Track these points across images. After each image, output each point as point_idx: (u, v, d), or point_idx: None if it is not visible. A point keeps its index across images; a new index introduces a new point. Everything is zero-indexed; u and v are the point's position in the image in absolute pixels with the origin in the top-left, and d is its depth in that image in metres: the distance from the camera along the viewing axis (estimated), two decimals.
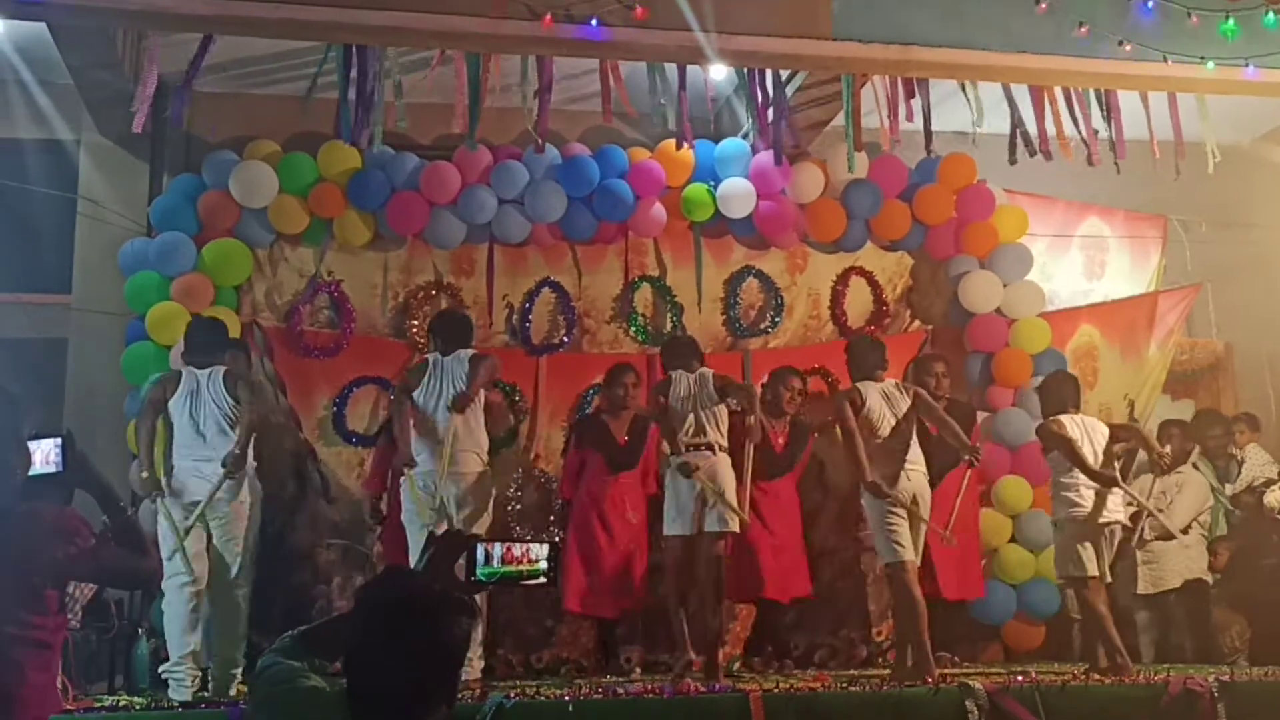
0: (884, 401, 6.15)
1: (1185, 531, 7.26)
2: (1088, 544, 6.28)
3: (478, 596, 5.88)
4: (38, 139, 7.75)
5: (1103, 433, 6.48)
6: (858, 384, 6.24)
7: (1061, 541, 6.45)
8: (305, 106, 6.81)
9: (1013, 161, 7.04)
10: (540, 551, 2.47)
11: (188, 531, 5.79)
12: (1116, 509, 6.39)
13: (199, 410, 5.91)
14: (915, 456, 6.15)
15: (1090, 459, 6.29)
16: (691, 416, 6.28)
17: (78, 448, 3.47)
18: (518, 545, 2.51)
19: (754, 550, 6.80)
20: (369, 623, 2.26)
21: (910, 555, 5.96)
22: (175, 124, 6.29)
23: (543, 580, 2.48)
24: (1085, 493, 6.31)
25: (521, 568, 2.44)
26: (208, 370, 5.96)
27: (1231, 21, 6.45)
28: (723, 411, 6.35)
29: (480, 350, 6.63)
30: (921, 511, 6.06)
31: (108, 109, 7.29)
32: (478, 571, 2.42)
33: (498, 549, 2.46)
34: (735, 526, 6.22)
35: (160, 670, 5.88)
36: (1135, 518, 7.32)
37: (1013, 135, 6.93)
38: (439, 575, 2.37)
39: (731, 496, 6.21)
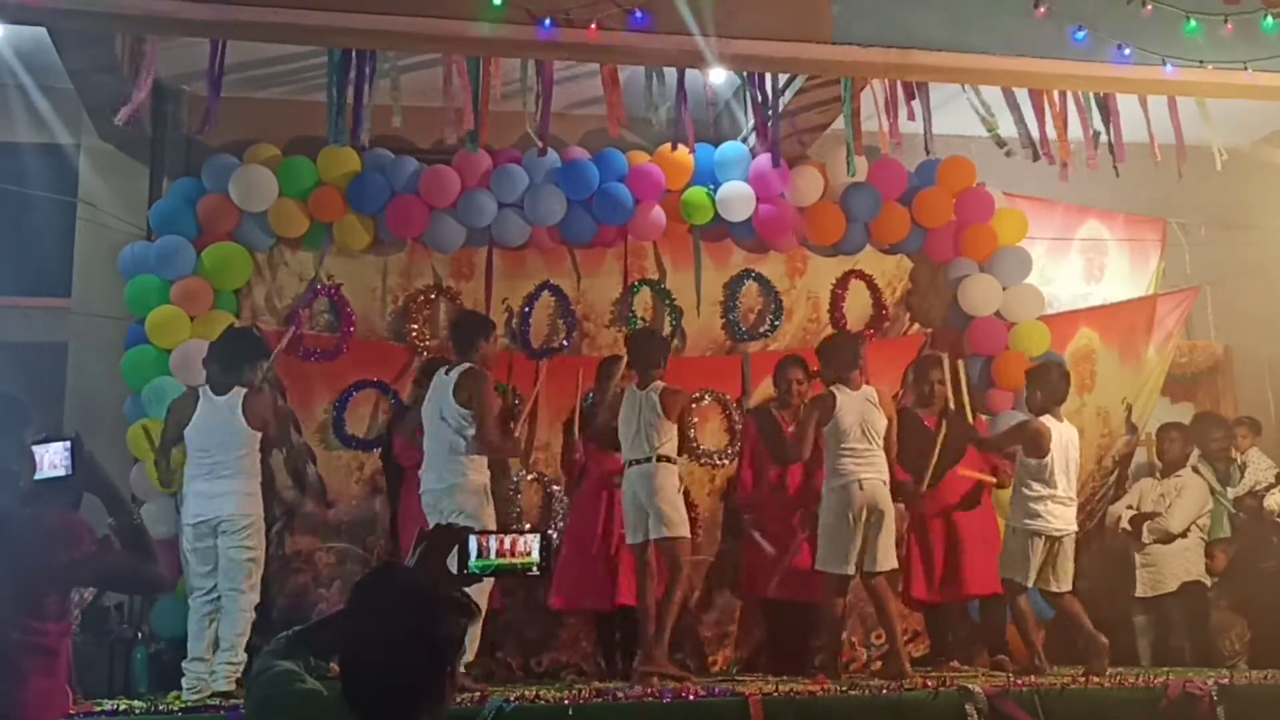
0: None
1: (1185, 535, 7.28)
2: (1038, 554, 6.39)
3: (481, 599, 5.92)
4: (37, 143, 7.74)
5: (1075, 444, 6.53)
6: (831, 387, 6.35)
7: (1014, 547, 6.50)
8: (310, 110, 6.79)
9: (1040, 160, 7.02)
10: (531, 542, 2.46)
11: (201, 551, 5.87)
12: (1070, 521, 6.48)
13: (214, 435, 5.91)
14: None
15: (1060, 470, 6.40)
16: (635, 432, 6.25)
17: (86, 450, 3.46)
18: (508, 537, 2.50)
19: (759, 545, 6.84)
20: (365, 619, 2.25)
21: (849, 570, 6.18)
22: (209, 131, 6.32)
23: (535, 571, 2.47)
24: (1051, 507, 6.40)
25: (515, 560, 2.44)
26: (226, 396, 5.93)
27: (1229, 24, 6.47)
28: (666, 424, 6.28)
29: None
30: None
31: (108, 113, 7.27)
32: (470, 564, 2.42)
33: (491, 541, 2.46)
34: (683, 532, 6.23)
35: (184, 664, 5.85)
36: (1136, 521, 7.34)
37: (1034, 145, 6.92)
38: (432, 570, 2.37)
39: (670, 506, 6.19)
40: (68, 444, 3.43)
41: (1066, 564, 6.45)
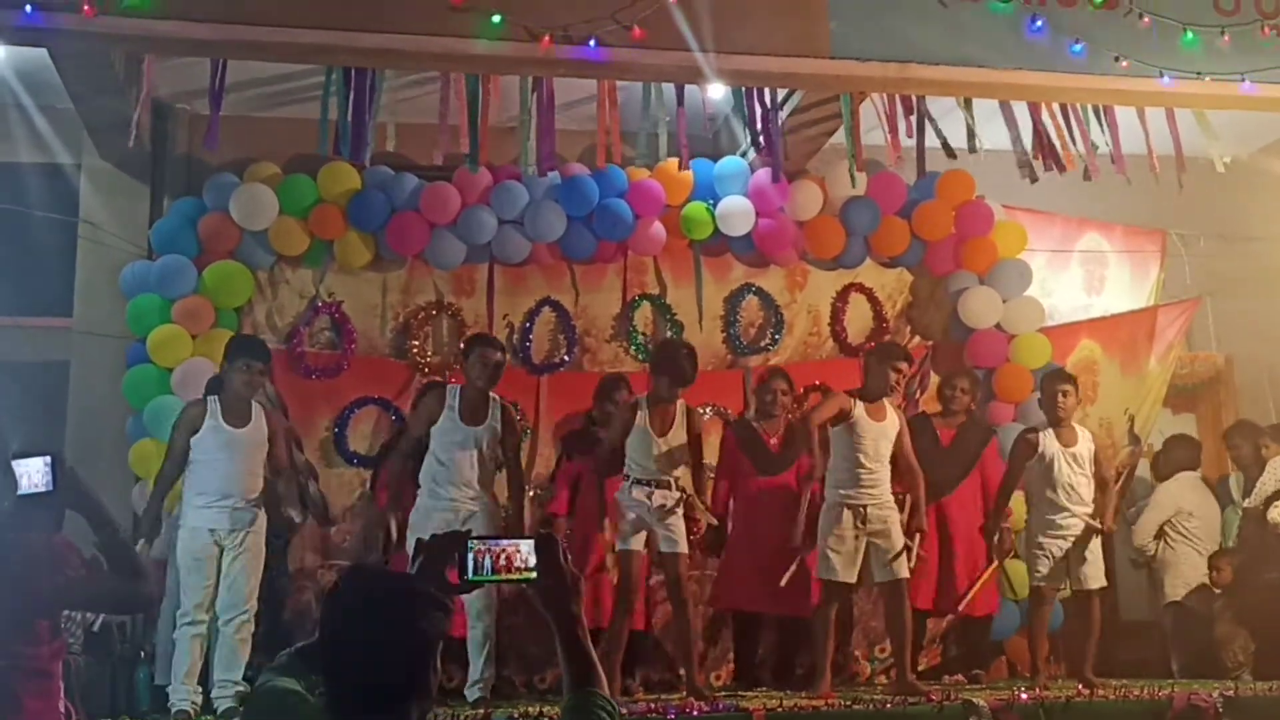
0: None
1: (1147, 548, 7.41)
2: (1063, 557, 6.50)
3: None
4: (38, 163, 7.76)
5: (1088, 450, 6.58)
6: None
7: (1036, 554, 6.61)
8: (311, 129, 6.80)
9: (1042, 171, 7.03)
10: (527, 549, 2.42)
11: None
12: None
13: None
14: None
15: (1067, 476, 6.49)
16: (652, 450, 6.11)
17: (68, 466, 3.38)
18: (507, 545, 2.43)
19: (737, 557, 6.79)
20: (339, 622, 2.26)
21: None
22: (212, 149, 6.33)
23: (535, 576, 2.44)
24: (1066, 510, 6.50)
25: (512, 575, 2.41)
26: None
27: (1225, 36, 6.48)
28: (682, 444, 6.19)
29: None
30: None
31: (108, 133, 7.30)
32: (469, 575, 2.40)
33: (487, 558, 2.42)
34: (683, 548, 6.18)
35: (169, 690, 5.84)
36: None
37: (1029, 163, 6.93)
38: (431, 579, 2.36)
39: (681, 532, 6.16)
40: (48, 459, 3.34)
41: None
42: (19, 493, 3.37)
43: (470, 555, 2.38)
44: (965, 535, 7.02)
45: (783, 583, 6.40)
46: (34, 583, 3.45)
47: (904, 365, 6.33)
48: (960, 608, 6.88)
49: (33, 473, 3.36)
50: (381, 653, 2.20)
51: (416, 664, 2.23)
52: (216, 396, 5.96)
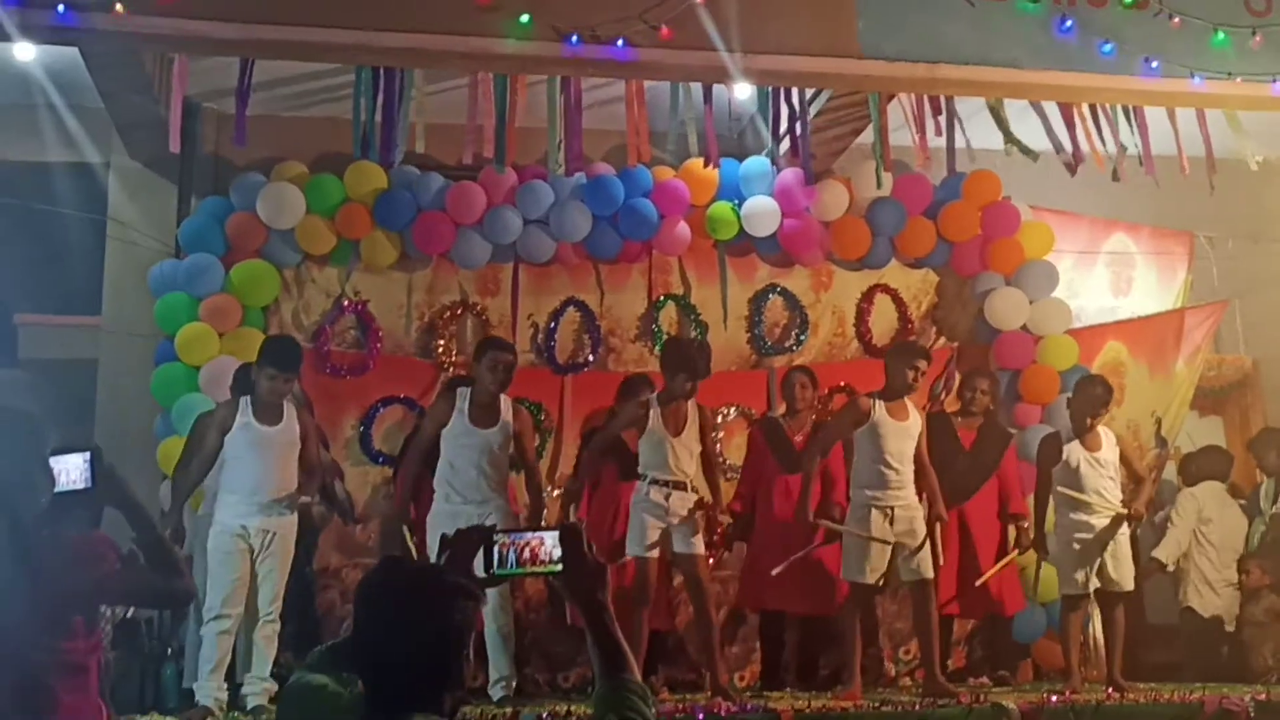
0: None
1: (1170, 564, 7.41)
2: (1086, 563, 6.42)
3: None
4: (68, 162, 7.81)
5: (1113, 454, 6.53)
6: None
7: (1063, 560, 6.56)
8: (337, 128, 6.81)
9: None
10: (551, 541, 2.41)
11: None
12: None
13: None
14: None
15: (1088, 484, 6.45)
16: (667, 451, 6.10)
17: (107, 463, 3.39)
18: (531, 538, 2.40)
19: (763, 555, 6.77)
20: (372, 613, 2.28)
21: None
22: (240, 145, 6.36)
23: (560, 568, 2.44)
24: (1095, 512, 6.44)
25: (537, 569, 2.42)
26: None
27: (1259, 36, 6.43)
28: (696, 444, 6.20)
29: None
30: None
31: (137, 132, 7.35)
32: (495, 569, 2.41)
33: (511, 552, 2.42)
34: (700, 550, 6.17)
35: (195, 687, 5.86)
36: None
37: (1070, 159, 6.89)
38: (458, 573, 2.37)
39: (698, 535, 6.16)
40: (87, 456, 3.30)
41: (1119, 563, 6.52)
42: (56, 489, 3.36)
43: (495, 549, 2.39)
44: (986, 538, 6.99)
45: (774, 572, 6.40)
46: (71, 579, 3.45)
47: (922, 363, 6.30)
48: (977, 583, 6.79)
49: (71, 469, 3.33)
50: (414, 643, 2.22)
51: (449, 654, 2.26)
52: (248, 396, 5.96)
